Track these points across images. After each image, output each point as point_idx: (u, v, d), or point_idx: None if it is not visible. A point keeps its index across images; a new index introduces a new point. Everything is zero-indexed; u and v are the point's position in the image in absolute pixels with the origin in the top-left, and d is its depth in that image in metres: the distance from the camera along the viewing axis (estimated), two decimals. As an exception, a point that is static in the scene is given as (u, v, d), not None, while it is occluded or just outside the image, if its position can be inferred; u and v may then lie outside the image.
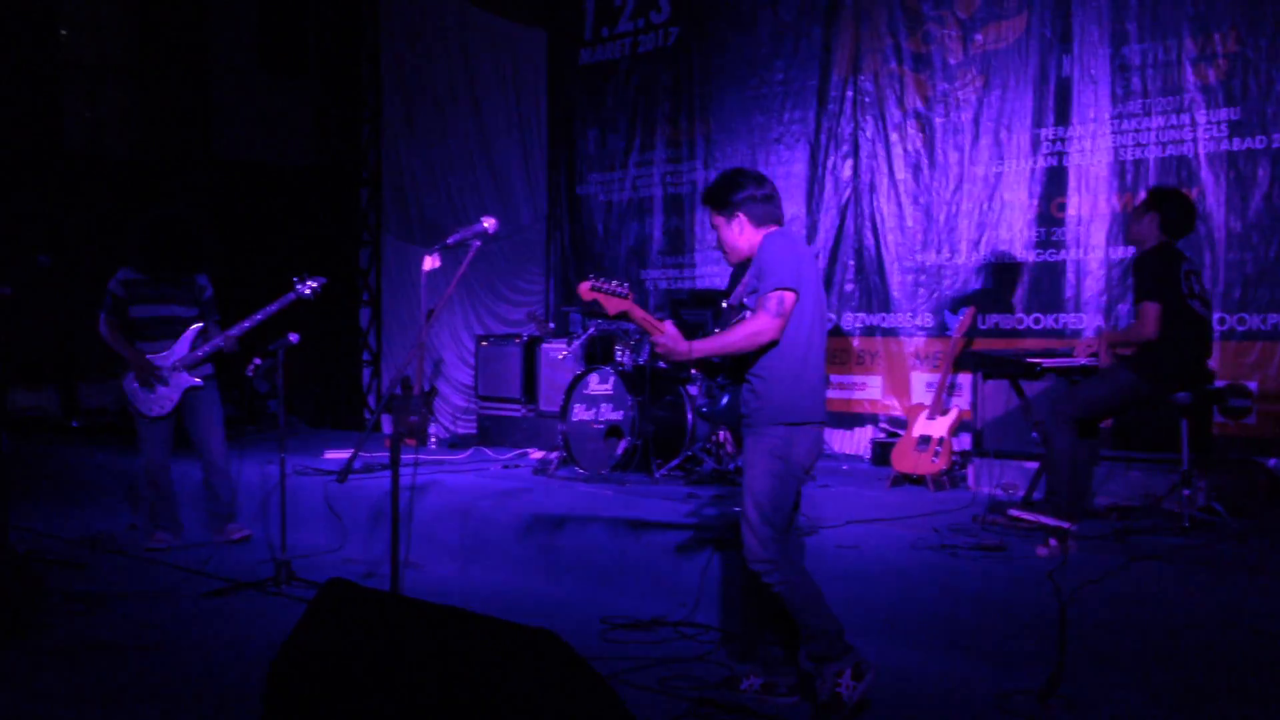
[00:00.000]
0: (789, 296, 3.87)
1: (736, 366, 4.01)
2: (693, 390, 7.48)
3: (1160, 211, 5.50)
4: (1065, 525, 5.09)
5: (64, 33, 11.35)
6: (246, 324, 6.48)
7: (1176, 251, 5.51)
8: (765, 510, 3.91)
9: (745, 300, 4.06)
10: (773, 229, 4.10)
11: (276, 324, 6.46)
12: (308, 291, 6.31)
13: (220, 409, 6.75)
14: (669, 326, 3.92)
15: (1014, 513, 5.63)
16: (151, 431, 6.61)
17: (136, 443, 6.71)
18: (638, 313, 3.94)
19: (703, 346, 3.94)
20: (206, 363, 6.65)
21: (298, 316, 6.50)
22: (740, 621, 4.23)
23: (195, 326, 6.59)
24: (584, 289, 3.92)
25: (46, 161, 10.82)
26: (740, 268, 4.21)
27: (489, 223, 4.27)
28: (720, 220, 4.13)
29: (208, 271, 6.78)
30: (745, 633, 4.21)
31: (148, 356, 6.53)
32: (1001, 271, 7.82)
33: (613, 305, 3.91)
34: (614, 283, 3.92)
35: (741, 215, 4.08)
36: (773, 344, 3.89)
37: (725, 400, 4.12)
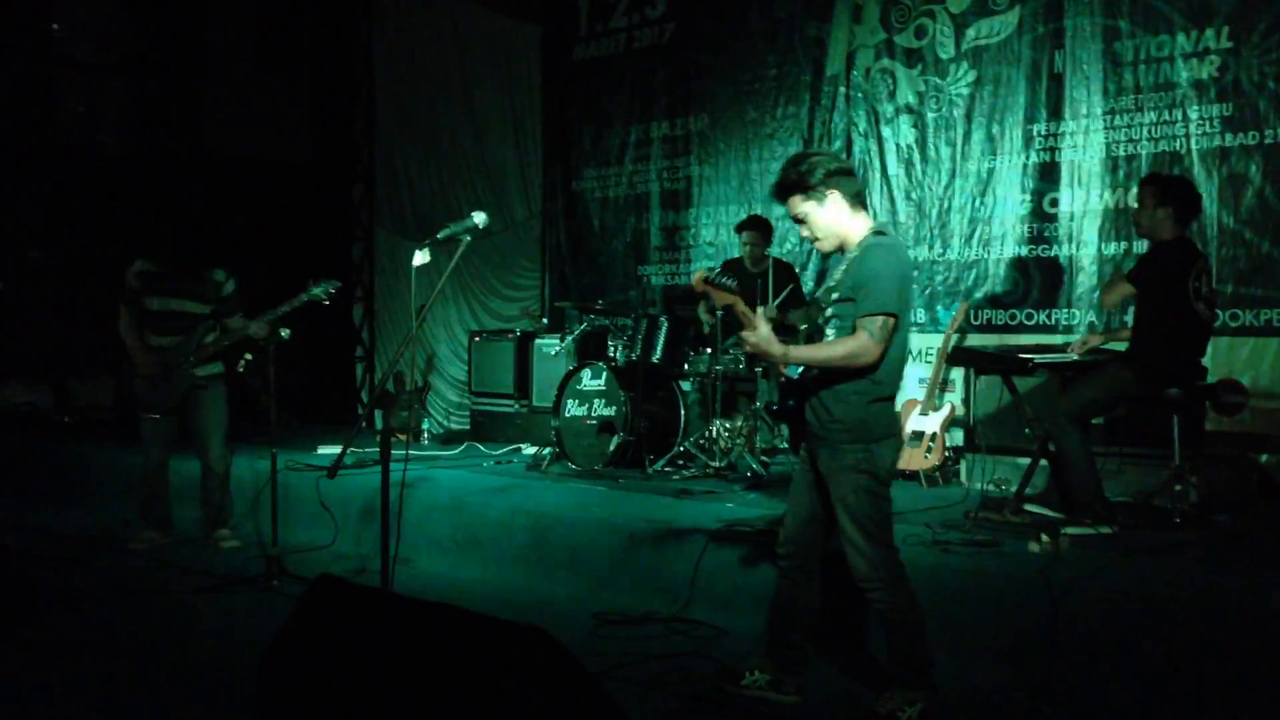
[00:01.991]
0: (892, 321, 3.69)
1: (819, 376, 3.83)
2: (686, 386, 7.48)
3: (1173, 205, 5.42)
4: (1105, 530, 5.11)
5: (56, 28, 11.32)
6: (262, 322, 6.33)
7: (1193, 249, 5.46)
8: (868, 527, 3.77)
9: (833, 304, 3.86)
10: (867, 219, 3.90)
11: (247, 313, 6.43)
12: (320, 293, 6.16)
13: (223, 409, 6.59)
14: (763, 324, 3.74)
15: (1030, 508, 5.64)
16: (153, 429, 6.55)
17: (138, 438, 6.65)
18: (740, 307, 3.79)
19: (800, 354, 3.77)
20: (213, 361, 6.54)
21: (289, 315, 6.47)
22: (767, 621, 4.17)
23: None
24: (698, 279, 3.81)
25: (40, 157, 10.79)
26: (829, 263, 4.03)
27: (479, 217, 4.26)
28: (810, 206, 3.85)
29: (228, 267, 6.61)
30: (771, 634, 4.15)
31: (154, 344, 6.47)
32: (994, 267, 7.82)
33: (721, 299, 3.80)
34: (725, 277, 3.79)
35: (835, 193, 3.83)
36: (870, 367, 3.72)
37: (793, 402, 3.94)
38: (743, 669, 4.14)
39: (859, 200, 3.88)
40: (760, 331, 3.70)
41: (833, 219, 3.85)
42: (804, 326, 4.06)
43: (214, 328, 6.51)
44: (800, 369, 3.87)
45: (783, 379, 3.97)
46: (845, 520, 3.80)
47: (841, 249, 3.91)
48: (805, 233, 3.93)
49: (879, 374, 3.76)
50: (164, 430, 6.56)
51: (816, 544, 4.03)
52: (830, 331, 3.87)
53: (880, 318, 3.66)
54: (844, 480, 3.80)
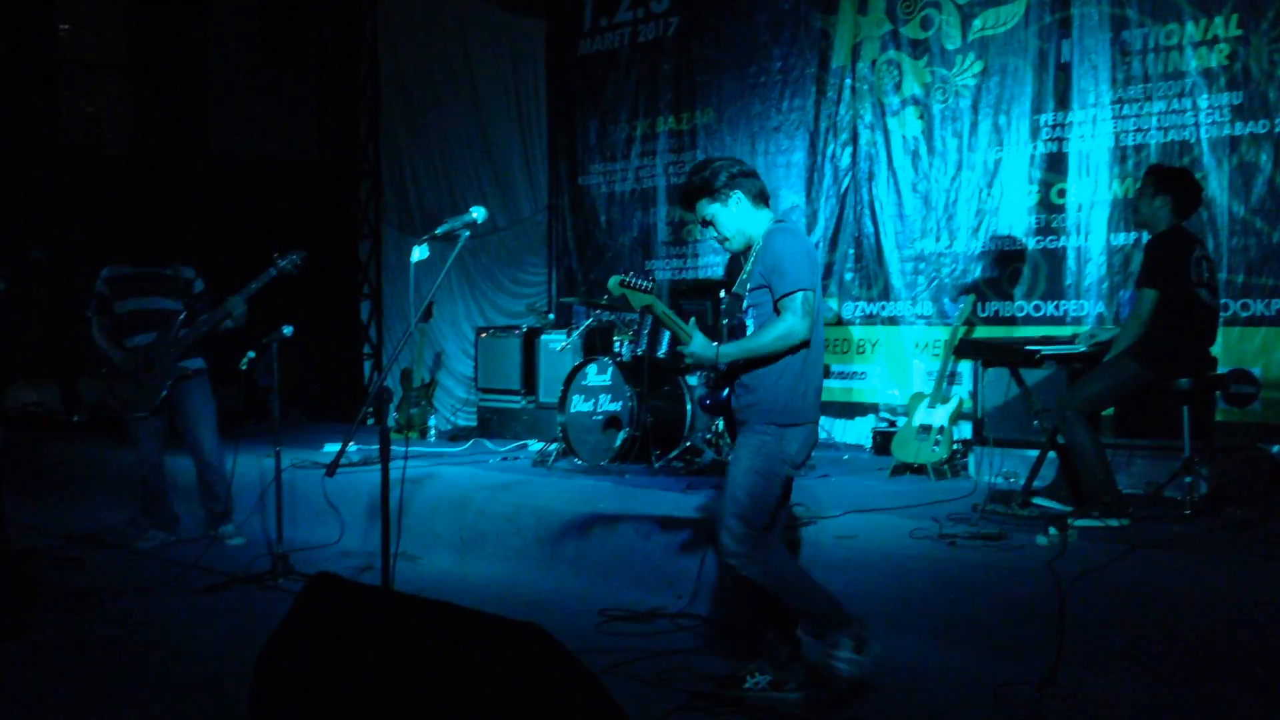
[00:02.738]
0: (811, 296, 3.84)
1: (743, 364, 3.94)
2: (691, 381, 7.45)
3: (1171, 195, 5.38)
4: (1116, 523, 5.07)
5: (64, 28, 11.33)
6: (239, 300, 6.36)
7: (1189, 237, 5.41)
8: (744, 506, 3.89)
9: (749, 294, 3.97)
10: (768, 212, 4.06)
11: (270, 316, 6.41)
12: (286, 265, 6.20)
13: (211, 404, 6.63)
14: (695, 333, 3.89)
15: (1039, 501, 5.60)
16: (141, 428, 6.56)
17: (129, 441, 6.66)
18: (659, 310, 3.92)
19: (731, 352, 3.91)
20: (195, 355, 6.54)
21: (296, 309, 6.46)
22: (743, 617, 4.17)
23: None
24: (613, 284, 3.91)
25: (45, 157, 10.80)
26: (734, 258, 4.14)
27: (478, 212, 4.25)
28: (716, 208, 4.00)
29: (196, 265, 6.70)
30: (748, 629, 4.15)
31: (131, 344, 6.47)
32: (1001, 258, 7.77)
33: (638, 300, 3.91)
34: (642, 279, 3.91)
35: (738, 193, 3.99)
36: (804, 344, 3.85)
37: (727, 392, 4.06)
38: (744, 673, 4.09)
39: (761, 198, 4.04)
40: (695, 340, 3.89)
41: (737, 219, 4.00)
42: (725, 321, 4.14)
43: (189, 321, 6.51)
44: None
45: (711, 376, 4.09)
46: (728, 494, 3.94)
47: (750, 247, 4.03)
48: (714, 234, 4.07)
49: (802, 356, 3.89)
50: (154, 427, 6.57)
51: (772, 524, 4.07)
52: (750, 322, 3.97)
53: (799, 293, 3.81)
54: (743, 455, 3.93)
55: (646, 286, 3.90)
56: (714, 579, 5.13)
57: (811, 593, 3.98)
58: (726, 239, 4.05)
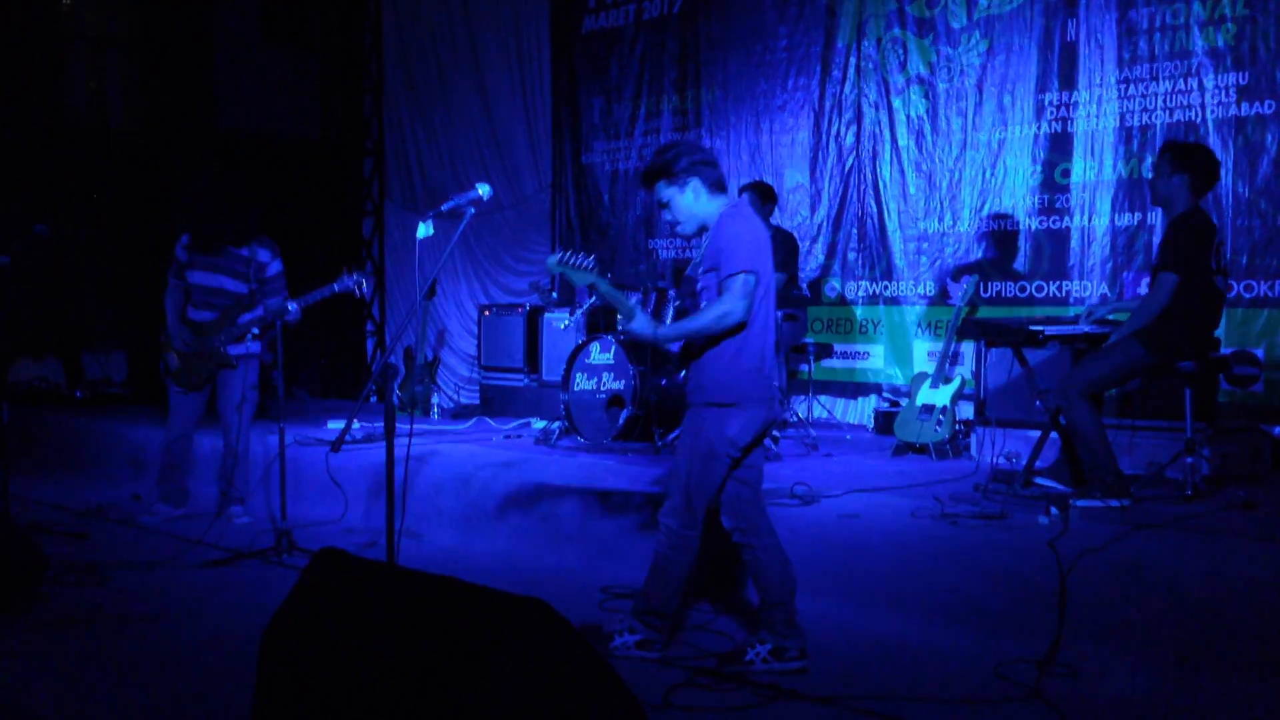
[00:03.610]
0: (751, 279, 3.92)
1: (690, 343, 4.08)
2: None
3: (1189, 173, 5.31)
4: (1117, 503, 5.08)
5: (66, 3, 11.28)
6: (297, 308, 6.28)
7: (1209, 223, 5.38)
8: (687, 486, 4.03)
9: (701, 277, 4.09)
10: (723, 199, 4.13)
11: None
12: (351, 284, 6.17)
13: (250, 392, 6.52)
14: (636, 310, 4.00)
15: (1041, 481, 5.61)
16: (177, 402, 6.57)
17: (154, 411, 6.64)
18: (602, 287, 4.02)
19: (670, 331, 4.06)
20: (249, 341, 6.45)
21: (300, 286, 6.45)
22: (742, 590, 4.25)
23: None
24: (552, 261, 4.01)
25: (48, 132, 10.78)
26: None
27: (482, 189, 4.25)
28: (673, 191, 4.08)
29: (273, 246, 6.52)
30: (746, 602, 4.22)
31: (192, 318, 6.47)
32: (1005, 239, 7.77)
33: (580, 278, 4.01)
34: (581, 256, 3.98)
35: (695, 180, 4.07)
36: (741, 325, 3.93)
37: (683, 375, 4.19)
38: (743, 646, 4.13)
39: (718, 186, 4.11)
40: (635, 319, 4.00)
41: (692, 204, 4.08)
42: (677, 304, 4.21)
43: (251, 307, 6.46)
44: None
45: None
46: (676, 465, 4.09)
47: (704, 232, 4.13)
48: (667, 215, 4.16)
49: (738, 336, 3.95)
50: (191, 404, 6.56)
51: (756, 500, 4.20)
52: (703, 304, 4.05)
53: (740, 275, 3.89)
54: (688, 438, 4.07)
55: (587, 265, 3.98)
56: (717, 557, 5.14)
57: (674, 595, 4.16)
58: (679, 222, 4.13)
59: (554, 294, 9.58)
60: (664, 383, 4.26)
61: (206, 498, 6.91)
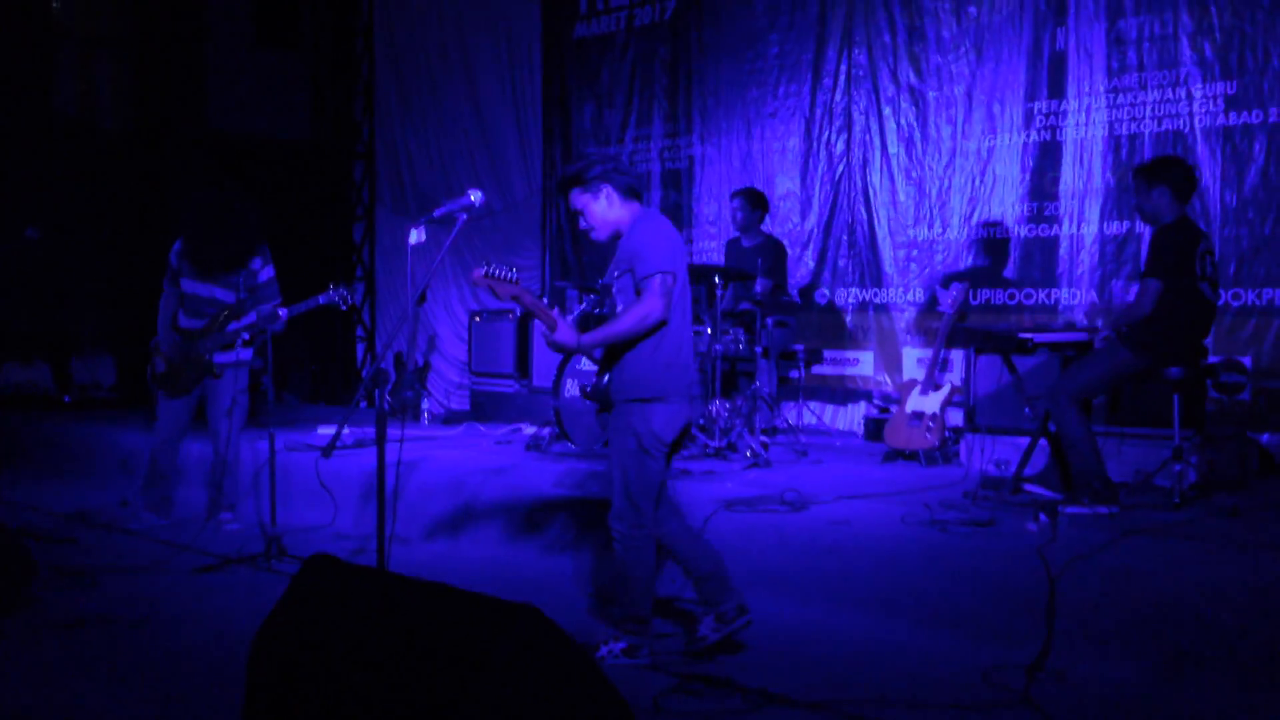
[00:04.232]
0: (669, 278, 4.03)
1: (611, 346, 4.17)
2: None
3: (1169, 183, 5.36)
4: (1105, 510, 5.10)
5: (56, 4, 11.26)
6: (285, 317, 6.27)
7: (1197, 229, 5.40)
8: (626, 485, 4.11)
9: (616, 282, 4.19)
10: (637, 205, 4.23)
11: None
12: (336, 298, 6.15)
13: (240, 398, 6.50)
14: (561, 321, 4.08)
15: (1029, 488, 5.64)
16: (165, 406, 6.53)
17: (138, 416, 6.62)
18: (526, 299, 4.10)
19: (593, 338, 4.12)
20: (238, 349, 6.41)
21: (290, 291, 6.44)
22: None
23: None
24: (477, 275, 4.05)
25: (37, 133, 10.74)
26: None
27: (475, 195, 4.26)
28: (587, 198, 4.20)
29: (264, 254, 6.47)
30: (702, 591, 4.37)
31: (183, 325, 6.45)
32: (994, 246, 7.80)
33: (503, 291, 4.05)
34: (505, 269, 4.05)
35: (607, 187, 4.18)
36: (661, 324, 4.04)
37: (607, 379, 4.24)
38: (693, 639, 4.29)
39: (631, 192, 4.23)
40: (558, 329, 4.07)
41: (604, 211, 4.20)
42: (597, 311, 4.29)
43: (239, 316, 6.44)
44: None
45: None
46: (612, 470, 4.17)
47: (616, 239, 4.24)
48: (583, 223, 4.27)
49: (659, 335, 4.06)
50: (177, 411, 6.53)
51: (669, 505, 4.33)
52: (620, 308, 4.17)
53: (657, 276, 4.00)
54: (617, 438, 4.16)
55: (510, 277, 4.03)
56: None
57: (645, 596, 4.23)
58: (593, 229, 4.25)
59: (545, 299, 9.59)
60: (587, 386, 4.33)
61: (196, 503, 6.89)
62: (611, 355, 4.19)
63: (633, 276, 4.08)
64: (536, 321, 8.94)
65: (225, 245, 6.36)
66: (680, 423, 4.19)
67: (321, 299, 6.12)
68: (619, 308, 4.18)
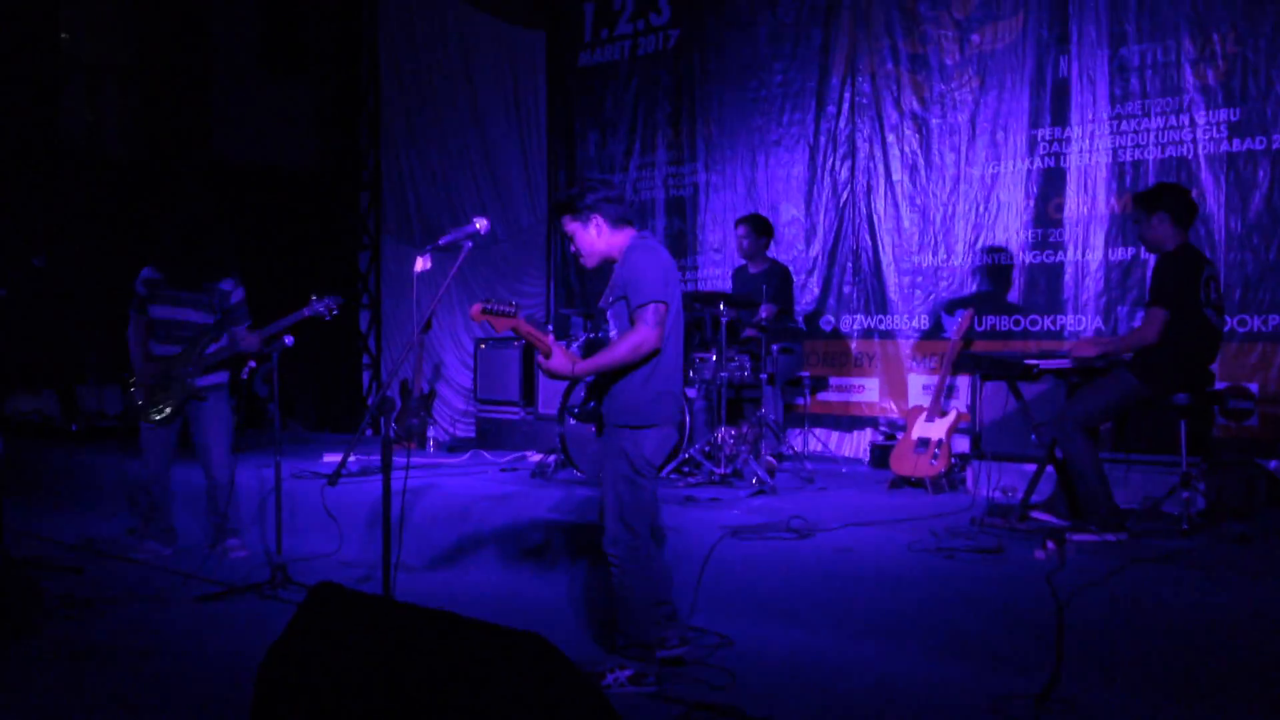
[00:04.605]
0: (662, 308, 4.10)
1: (602, 374, 4.22)
2: (690, 393, 7.47)
3: (1168, 209, 5.36)
4: (1113, 537, 5.08)
5: (65, 35, 11.34)
6: (256, 337, 6.29)
7: (1200, 256, 5.39)
8: (619, 509, 4.15)
9: (610, 308, 4.24)
10: (630, 232, 4.28)
11: (257, 322, 6.42)
12: (322, 309, 6.17)
13: (227, 420, 6.51)
14: (556, 349, 4.14)
15: (1037, 515, 5.62)
16: (150, 437, 6.51)
17: (139, 446, 6.60)
18: (524, 328, 4.14)
19: (587, 366, 4.18)
20: (217, 371, 6.47)
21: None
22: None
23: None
24: (475, 311, 4.10)
25: (45, 162, 10.80)
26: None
27: (480, 223, 4.28)
28: (576, 226, 4.26)
29: (235, 275, 6.49)
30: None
31: (158, 352, 6.45)
32: (998, 273, 7.81)
33: (501, 324, 4.11)
34: (503, 303, 4.10)
35: (597, 217, 4.24)
36: (655, 353, 4.10)
37: (594, 404, 4.30)
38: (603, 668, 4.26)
39: (622, 220, 4.28)
40: (554, 357, 4.13)
41: (593, 240, 4.26)
42: (600, 334, 4.34)
43: (217, 338, 6.46)
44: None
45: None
46: (604, 497, 4.21)
47: (607, 261, 4.30)
48: (573, 249, 4.33)
49: (653, 363, 4.13)
50: (162, 440, 6.50)
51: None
52: (613, 334, 4.24)
53: (650, 305, 4.07)
54: (609, 462, 4.21)
55: (508, 311, 4.08)
56: (714, 589, 5.14)
57: (647, 623, 4.23)
58: (582, 255, 4.30)
59: (549, 326, 9.61)
60: (575, 408, 4.40)
61: (196, 532, 6.88)
62: (603, 381, 4.24)
63: (627, 304, 4.14)
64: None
65: (204, 255, 6.39)
66: (670, 446, 4.29)
67: (306, 311, 6.09)
68: (613, 333, 4.25)
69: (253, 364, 6.29)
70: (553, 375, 4.19)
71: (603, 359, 4.14)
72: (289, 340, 6.01)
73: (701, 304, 7.19)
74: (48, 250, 7.34)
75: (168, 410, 6.40)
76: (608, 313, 4.29)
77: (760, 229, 7.97)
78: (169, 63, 11.46)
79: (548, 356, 4.15)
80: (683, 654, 4.38)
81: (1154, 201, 5.41)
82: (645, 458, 4.17)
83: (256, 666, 2.94)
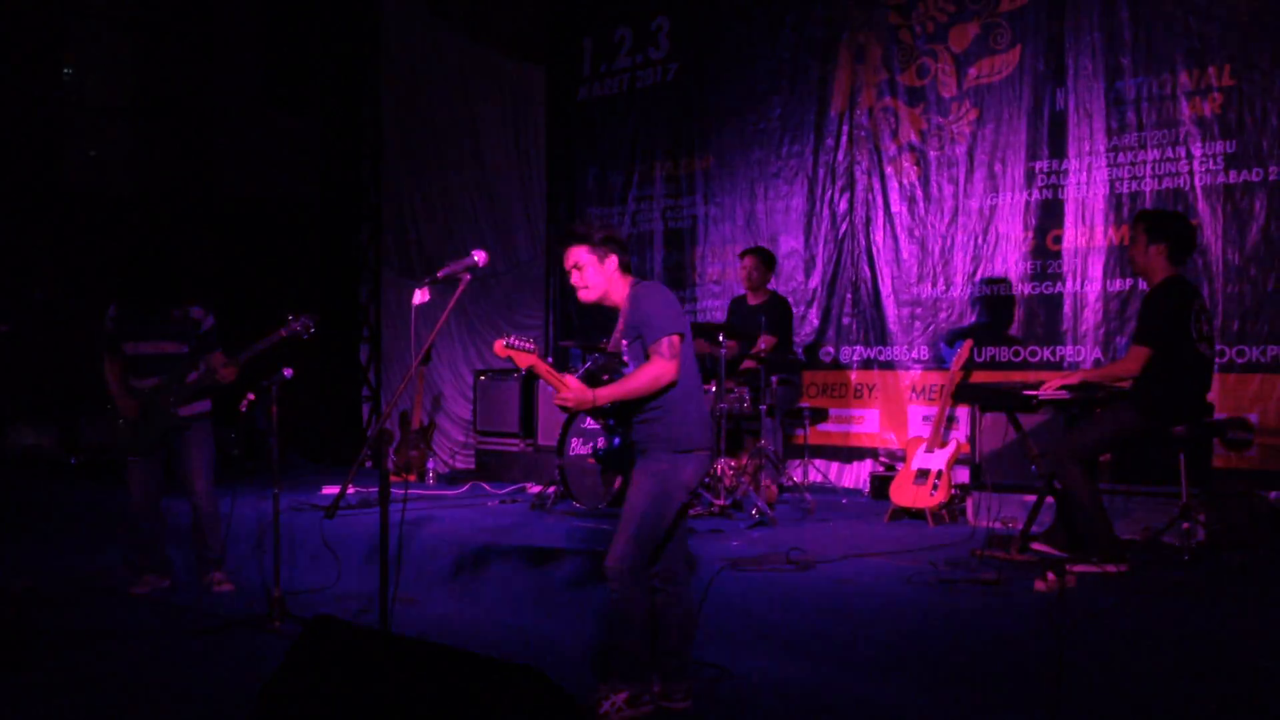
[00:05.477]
0: (676, 340, 4.16)
1: (625, 406, 4.25)
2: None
3: (1166, 241, 5.38)
4: (1113, 569, 5.07)
5: (68, 71, 11.43)
6: (241, 356, 6.32)
7: (1189, 289, 5.40)
8: (636, 528, 4.14)
9: (625, 346, 4.32)
10: (631, 281, 4.35)
11: (270, 359, 6.42)
12: (299, 328, 6.16)
13: (210, 450, 6.50)
14: (572, 380, 4.19)
15: (1037, 546, 5.61)
16: (135, 473, 6.43)
17: (124, 482, 6.57)
18: (541, 367, 4.21)
19: (607, 393, 4.20)
20: (198, 400, 6.48)
21: (296, 351, 6.45)
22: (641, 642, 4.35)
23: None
24: (498, 346, 4.17)
25: (48, 199, 10.86)
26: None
27: (479, 255, 4.30)
28: (591, 259, 4.30)
29: (205, 302, 6.53)
30: (653, 649, 4.35)
31: (136, 386, 6.43)
32: (997, 304, 7.82)
33: (522, 360, 4.18)
34: (525, 339, 4.18)
35: (614, 258, 4.31)
36: (672, 384, 4.16)
37: (618, 440, 4.33)
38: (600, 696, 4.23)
39: (627, 268, 4.37)
40: (570, 389, 4.16)
41: (603, 278, 4.33)
42: (606, 377, 4.45)
43: (195, 366, 6.44)
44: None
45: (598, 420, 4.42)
46: (625, 512, 4.19)
47: (603, 303, 4.37)
48: (576, 279, 4.36)
49: (678, 390, 4.19)
50: (147, 472, 6.45)
51: (679, 549, 4.36)
52: (630, 369, 4.30)
53: (665, 339, 4.13)
54: (640, 480, 4.22)
55: (528, 349, 4.16)
56: (714, 623, 5.11)
57: (641, 640, 4.23)
58: (586, 287, 4.34)
59: (549, 358, 9.61)
60: (600, 451, 4.41)
61: (182, 566, 6.84)
62: (631, 412, 4.25)
63: (642, 343, 4.19)
64: (543, 384, 8.98)
65: (160, 281, 6.41)
66: (704, 472, 4.33)
67: (284, 331, 6.06)
68: (629, 372, 4.29)
69: (251, 396, 6.28)
70: (570, 408, 4.21)
71: (620, 388, 4.18)
72: (288, 372, 5.99)
73: (700, 335, 7.20)
74: (51, 286, 7.37)
75: (150, 442, 6.38)
76: (624, 354, 4.35)
77: (769, 261, 8.03)
78: (171, 99, 11.54)
79: (563, 390, 4.18)
80: (686, 707, 4.31)
81: (1156, 230, 5.41)
82: (682, 482, 4.21)
83: (253, 700, 2.93)
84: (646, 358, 4.17)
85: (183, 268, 6.56)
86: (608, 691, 4.19)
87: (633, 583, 4.17)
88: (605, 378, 4.44)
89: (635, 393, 4.16)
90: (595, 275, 4.31)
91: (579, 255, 4.32)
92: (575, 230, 4.38)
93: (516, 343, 4.16)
